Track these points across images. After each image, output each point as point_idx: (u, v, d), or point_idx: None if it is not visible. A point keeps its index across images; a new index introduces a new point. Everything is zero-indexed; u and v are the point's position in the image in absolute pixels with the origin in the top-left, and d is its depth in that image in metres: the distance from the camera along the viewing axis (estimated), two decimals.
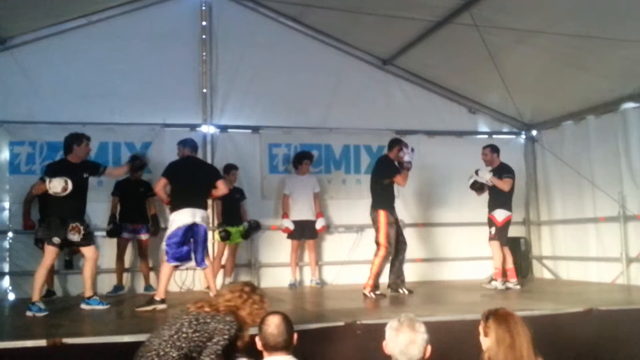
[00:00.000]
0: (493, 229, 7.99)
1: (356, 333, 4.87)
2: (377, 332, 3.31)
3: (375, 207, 7.56)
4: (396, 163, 7.61)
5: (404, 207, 9.17)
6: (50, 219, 6.38)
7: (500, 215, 7.96)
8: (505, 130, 10.47)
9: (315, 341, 4.56)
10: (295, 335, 3.42)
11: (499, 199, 8.00)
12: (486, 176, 7.98)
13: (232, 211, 8.71)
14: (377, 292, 7.20)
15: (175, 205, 6.62)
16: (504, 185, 7.94)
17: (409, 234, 9.38)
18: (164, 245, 6.56)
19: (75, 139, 6.54)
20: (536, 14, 7.06)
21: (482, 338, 3.24)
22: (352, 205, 9.53)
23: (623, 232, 8.25)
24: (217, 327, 3.61)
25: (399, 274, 7.67)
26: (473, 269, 9.48)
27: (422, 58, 9.25)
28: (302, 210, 8.94)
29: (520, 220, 9.89)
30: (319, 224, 9.01)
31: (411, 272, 8.64)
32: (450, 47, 8.51)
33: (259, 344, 3.40)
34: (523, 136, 10.48)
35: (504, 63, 7.69)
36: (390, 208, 7.55)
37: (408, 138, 9.26)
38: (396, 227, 7.58)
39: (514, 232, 8.83)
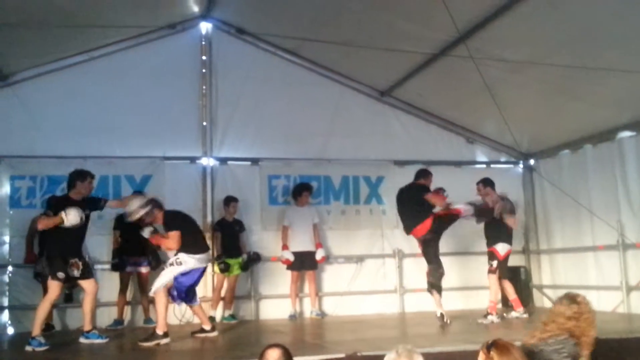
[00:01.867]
0: (495, 262, 7.93)
1: None
2: None
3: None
4: None
5: (404, 238, 8.76)
6: (51, 256, 6.35)
7: (502, 248, 7.94)
8: (503, 159, 10.54)
9: None
10: None
11: (502, 232, 7.97)
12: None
13: (231, 243, 8.74)
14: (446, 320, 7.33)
15: (190, 249, 6.62)
16: (514, 223, 8.01)
17: (410, 263, 9.38)
18: (166, 280, 6.51)
19: (80, 176, 6.51)
20: (530, 46, 7.17)
21: None
22: (352, 235, 9.60)
23: (622, 260, 8.23)
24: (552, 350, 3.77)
25: None
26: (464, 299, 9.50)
27: (419, 89, 9.35)
28: (302, 242, 8.94)
29: (519, 249, 9.87)
30: (319, 254, 9.00)
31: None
32: (447, 78, 8.61)
33: None
34: (521, 165, 10.53)
35: (501, 93, 7.75)
36: None
37: (406, 168, 9.35)
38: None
39: (513, 261, 8.82)
